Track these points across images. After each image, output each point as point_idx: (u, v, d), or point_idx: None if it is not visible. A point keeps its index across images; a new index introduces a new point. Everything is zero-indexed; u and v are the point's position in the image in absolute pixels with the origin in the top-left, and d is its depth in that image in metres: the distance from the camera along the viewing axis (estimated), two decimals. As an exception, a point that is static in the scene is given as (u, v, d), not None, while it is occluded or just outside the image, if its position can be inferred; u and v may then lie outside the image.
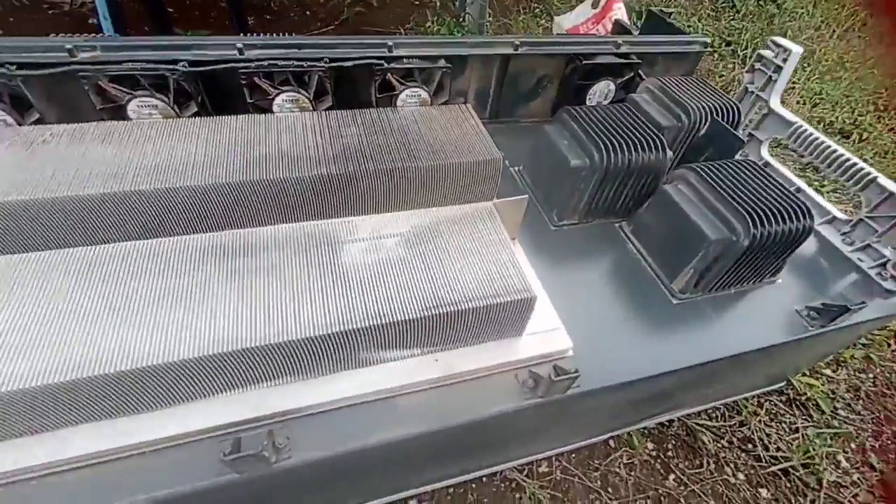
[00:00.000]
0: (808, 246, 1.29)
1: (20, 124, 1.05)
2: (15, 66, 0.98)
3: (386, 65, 1.20)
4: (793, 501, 1.31)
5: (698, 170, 1.07)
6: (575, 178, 1.13)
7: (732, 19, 4.21)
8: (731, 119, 1.29)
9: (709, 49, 1.55)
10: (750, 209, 0.96)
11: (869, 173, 1.23)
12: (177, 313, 0.73)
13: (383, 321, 0.76)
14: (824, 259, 1.27)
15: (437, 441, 0.91)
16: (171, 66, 1.07)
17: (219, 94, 1.19)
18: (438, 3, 3.81)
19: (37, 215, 0.86)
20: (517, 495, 1.28)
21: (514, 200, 1.02)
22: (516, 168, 1.36)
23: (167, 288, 0.76)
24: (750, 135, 1.52)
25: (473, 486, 1.30)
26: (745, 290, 1.13)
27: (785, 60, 1.40)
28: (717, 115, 1.27)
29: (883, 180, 1.21)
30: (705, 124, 1.27)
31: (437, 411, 0.84)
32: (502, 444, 1.12)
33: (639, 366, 0.96)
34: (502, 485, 1.30)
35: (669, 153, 1.13)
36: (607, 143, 1.09)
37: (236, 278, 0.79)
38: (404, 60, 1.23)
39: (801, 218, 1.00)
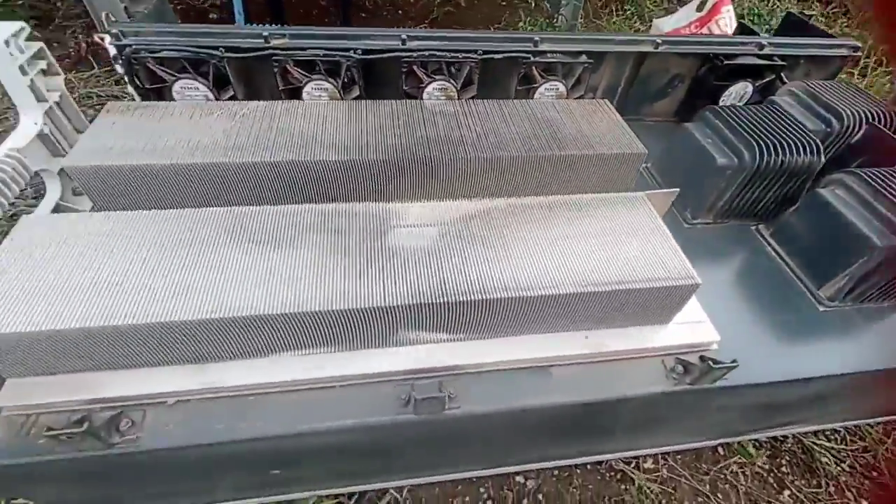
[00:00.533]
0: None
1: (217, 99, 1.21)
2: (224, 49, 1.14)
3: (532, 58, 1.27)
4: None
5: (862, 175, 1.04)
6: (719, 176, 1.13)
7: (846, 26, 3.91)
8: (888, 126, 1.22)
9: (857, 54, 1.47)
10: (925, 217, 0.93)
11: None
12: (393, 266, 0.82)
13: (556, 292, 0.81)
14: None
15: (573, 415, 0.96)
16: (345, 54, 1.19)
17: (374, 80, 1.30)
18: (534, 4, 3.82)
19: (244, 175, 1.00)
20: (623, 486, 1.30)
21: (664, 193, 1.04)
22: (644, 165, 1.37)
23: (378, 243, 0.86)
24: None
25: (578, 471, 1.33)
26: (898, 306, 1.08)
27: (950, 68, 1.31)
28: (874, 121, 1.22)
29: None
30: (859, 130, 1.22)
31: (588, 385, 0.89)
32: (623, 430, 1.14)
33: (783, 368, 0.96)
34: (607, 474, 1.32)
35: (822, 157, 1.11)
36: (759, 143, 1.08)
37: (421, 241, 0.87)
38: (548, 55, 1.29)
39: (982, 231, 0.94)
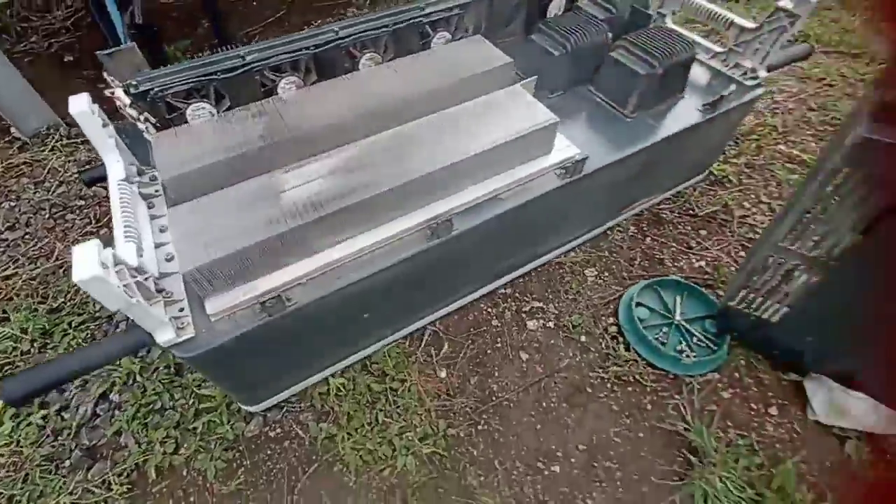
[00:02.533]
0: (702, 73, 2.05)
1: (217, 112, 1.67)
2: (220, 73, 1.60)
3: (424, 20, 1.84)
4: (719, 231, 2.18)
5: (628, 38, 1.79)
6: (557, 64, 1.84)
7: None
8: (643, 5, 1.99)
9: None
10: (659, 51, 1.70)
11: (730, 18, 1.97)
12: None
13: (494, 146, 1.48)
14: (712, 79, 2.04)
15: (513, 222, 1.67)
16: (304, 52, 1.69)
17: (322, 64, 1.80)
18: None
19: (275, 153, 1.53)
20: (560, 272, 2.10)
21: (527, 82, 1.73)
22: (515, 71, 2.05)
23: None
24: (659, 12, 2.22)
25: (532, 275, 2.10)
26: (667, 106, 1.90)
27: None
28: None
29: (738, 20, 1.96)
30: (629, 12, 1.97)
31: (522, 195, 1.60)
32: (550, 229, 1.90)
33: (619, 153, 1.73)
34: (549, 269, 2.11)
35: (609, 34, 1.85)
36: (574, 37, 1.79)
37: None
38: (433, 14, 1.87)
39: (687, 50, 1.75)
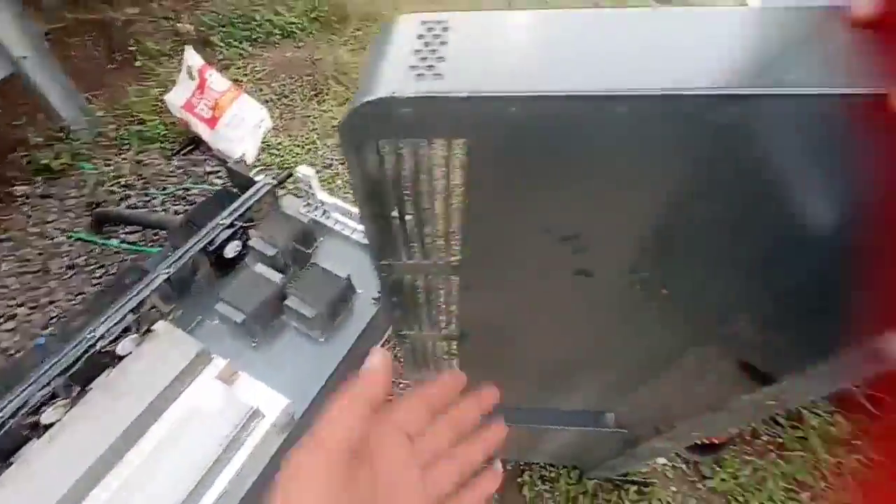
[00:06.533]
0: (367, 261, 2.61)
1: None
2: None
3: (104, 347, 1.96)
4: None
5: (292, 287, 2.22)
6: (243, 327, 2.17)
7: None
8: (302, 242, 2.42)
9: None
10: (320, 294, 2.18)
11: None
12: None
13: (205, 470, 1.78)
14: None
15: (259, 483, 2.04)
16: None
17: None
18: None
19: None
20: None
21: (225, 367, 2.04)
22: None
23: None
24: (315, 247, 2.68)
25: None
26: (346, 312, 2.42)
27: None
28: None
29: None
30: (291, 249, 2.39)
31: (250, 473, 1.96)
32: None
33: (325, 375, 2.19)
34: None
35: (280, 280, 2.24)
36: (249, 302, 2.14)
37: None
38: (104, 337, 1.99)
39: (341, 281, 2.26)
